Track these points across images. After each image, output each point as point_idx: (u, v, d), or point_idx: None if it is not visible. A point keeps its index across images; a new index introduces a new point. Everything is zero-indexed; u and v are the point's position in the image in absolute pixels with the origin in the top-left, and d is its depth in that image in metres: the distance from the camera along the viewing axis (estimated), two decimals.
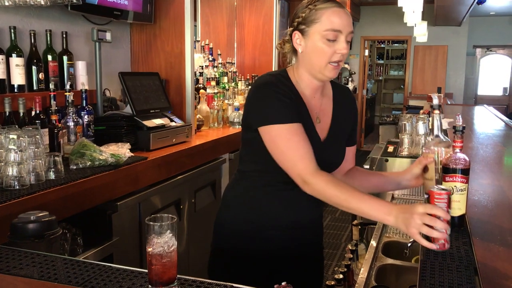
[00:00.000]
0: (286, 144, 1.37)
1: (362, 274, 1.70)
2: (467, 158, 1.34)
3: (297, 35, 1.47)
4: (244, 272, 1.54)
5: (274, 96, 1.41)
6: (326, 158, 1.48)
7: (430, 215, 1.12)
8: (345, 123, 1.61)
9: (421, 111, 5.59)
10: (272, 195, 1.53)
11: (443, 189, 1.17)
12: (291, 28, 1.50)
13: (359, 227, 2.42)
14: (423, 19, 6.26)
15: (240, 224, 1.56)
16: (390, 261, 1.88)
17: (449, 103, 7.04)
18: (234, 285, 1.06)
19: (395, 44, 12.23)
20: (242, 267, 1.56)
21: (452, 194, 1.34)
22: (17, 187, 1.75)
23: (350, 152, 1.67)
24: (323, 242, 1.79)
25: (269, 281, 1.15)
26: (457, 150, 1.34)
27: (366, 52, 9.79)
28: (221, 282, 1.07)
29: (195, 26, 4.43)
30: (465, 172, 1.33)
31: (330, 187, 1.33)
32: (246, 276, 1.50)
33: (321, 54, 1.43)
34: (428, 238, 1.12)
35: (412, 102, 8.60)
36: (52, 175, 1.91)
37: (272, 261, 1.56)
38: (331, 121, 1.56)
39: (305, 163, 1.36)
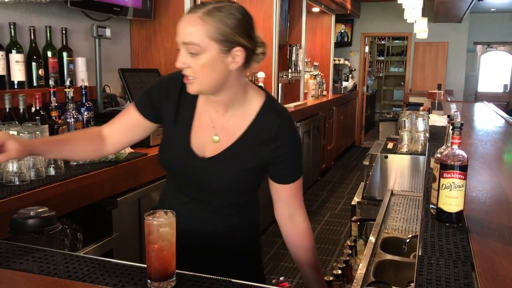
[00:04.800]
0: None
1: (361, 269, 1.71)
2: (465, 155, 1.34)
3: None
4: None
5: (150, 85, 1.47)
6: (204, 176, 1.35)
7: None
8: (257, 154, 1.35)
9: (421, 108, 5.60)
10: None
11: None
12: None
13: (358, 223, 2.43)
14: (423, 15, 6.25)
15: None
16: (388, 256, 1.89)
17: (449, 100, 7.04)
18: (233, 280, 1.07)
19: (396, 41, 12.21)
20: None
21: (451, 190, 1.35)
22: (17, 182, 1.76)
23: (284, 191, 1.42)
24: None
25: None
26: (455, 146, 1.35)
27: (367, 49, 9.78)
28: (219, 278, 1.08)
29: None
30: (463, 168, 1.33)
31: None
32: None
33: None
34: None
35: (412, 99, 8.59)
36: (52, 171, 1.92)
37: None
38: (233, 143, 1.35)
39: (105, 124, 1.47)
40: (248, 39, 1.27)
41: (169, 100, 1.41)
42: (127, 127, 1.47)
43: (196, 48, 1.22)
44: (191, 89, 1.29)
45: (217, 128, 1.37)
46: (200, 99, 1.40)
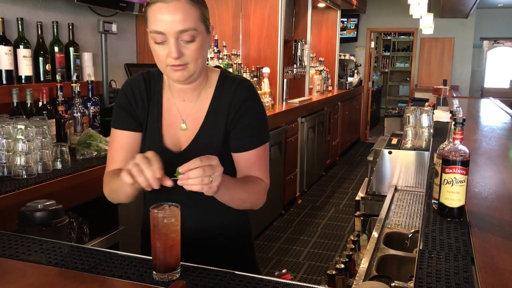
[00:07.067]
0: (109, 146, 1.43)
1: (364, 264, 1.73)
2: (467, 150, 1.35)
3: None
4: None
5: (117, 100, 1.43)
6: None
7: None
8: (221, 127, 1.33)
9: (427, 104, 5.60)
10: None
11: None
12: None
13: (362, 218, 2.44)
14: (429, 11, 6.23)
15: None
16: (391, 251, 1.90)
17: (454, 95, 7.02)
18: (236, 272, 1.09)
19: (402, 36, 12.16)
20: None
21: (452, 185, 1.36)
22: (25, 176, 1.79)
23: (241, 159, 1.33)
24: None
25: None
26: (457, 142, 1.36)
27: (372, 44, 9.75)
28: (222, 269, 1.10)
29: None
30: (465, 164, 1.34)
31: (105, 184, 1.37)
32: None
33: (156, 57, 1.28)
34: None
35: (418, 95, 8.57)
36: (59, 165, 1.95)
37: None
38: (200, 127, 1.33)
39: (109, 167, 1.38)
40: None
41: (138, 104, 1.38)
42: (129, 154, 1.35)
43: (193, 33, 1.22)
44: (183, 75, 1.25)
45: (184, 116, 1.35)
46: (164, 94, 1.38)
